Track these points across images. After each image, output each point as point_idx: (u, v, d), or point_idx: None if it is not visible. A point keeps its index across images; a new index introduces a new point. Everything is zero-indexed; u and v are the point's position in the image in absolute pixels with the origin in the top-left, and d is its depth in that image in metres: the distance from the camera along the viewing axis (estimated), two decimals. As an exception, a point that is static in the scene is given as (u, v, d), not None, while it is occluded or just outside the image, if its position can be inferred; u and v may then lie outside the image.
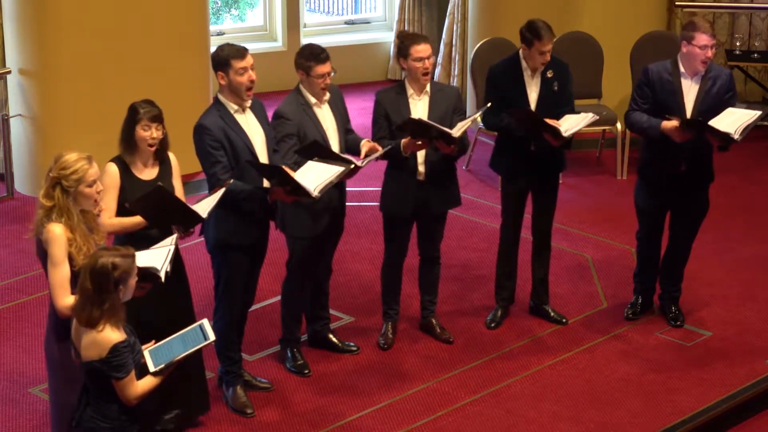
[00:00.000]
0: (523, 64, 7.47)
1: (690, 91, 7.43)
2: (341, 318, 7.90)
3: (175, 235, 6.00)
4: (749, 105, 11.60)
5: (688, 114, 7.36)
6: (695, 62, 7.35)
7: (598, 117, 7.43)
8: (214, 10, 12.58)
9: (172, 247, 5.82)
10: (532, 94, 7.48)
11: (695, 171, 7.54)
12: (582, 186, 10.15)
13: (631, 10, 10.93)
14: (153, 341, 5.46)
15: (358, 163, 6.79)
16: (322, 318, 7.53)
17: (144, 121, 6.24)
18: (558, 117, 7.37)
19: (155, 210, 6.13)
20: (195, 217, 6.15)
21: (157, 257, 5.74)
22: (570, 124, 7.32)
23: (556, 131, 7.25)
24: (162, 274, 5.65)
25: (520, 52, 7.49)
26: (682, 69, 7.42)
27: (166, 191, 6.14)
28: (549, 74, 7.46)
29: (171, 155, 6.44)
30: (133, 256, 5.24)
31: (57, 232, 5.54)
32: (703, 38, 7.30)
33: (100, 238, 5.74)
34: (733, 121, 7.25)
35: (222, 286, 6.82)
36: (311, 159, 6.71)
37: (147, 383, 5.27)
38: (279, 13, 12.25)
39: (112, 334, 5.14)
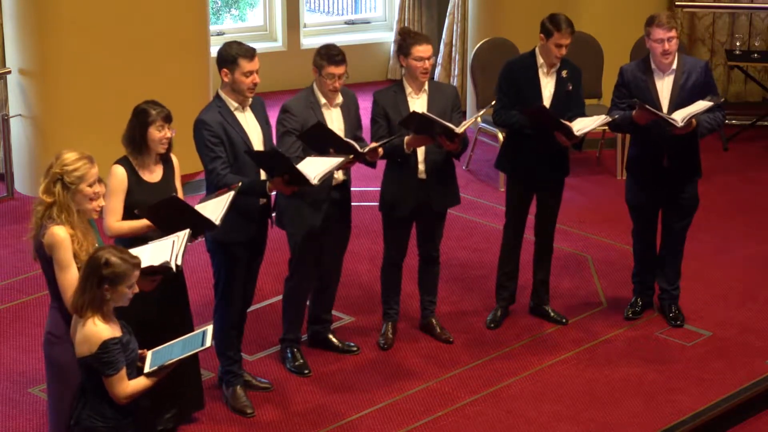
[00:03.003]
0: (539, 60, 7.47)
1: (664, 87, 7.45)
2: (341, 318, 7.90)
3: (186, 231, 5.98)
4: (748, 105, 11.67)
5: (665, 110, 7.37)
6: (656, 56, 7.37)
7: (610, 119, 7.43)
8: (214, 10, 12.58)
9: (183, 237, 5.80)
10: (546, 91, 7.48)
11: (680, 166, 7.55)
12: (582, 186, 10.15)
13: (631, 10, 10.92)
14: (144, 350, 5.46)
15: (358, 149, 6.76)
16: (324, 320, 7.53)
17: (158, 122, 6.22)
18: (570, 119, 7.37)
19: (166, 217, 6.10)
20: (207, 224, 6.11)
21: (164, 248, 5.73)
22: (582, 125, 7.33)
23: (568, 131, 7.26)
24: (173, 265, 5.64)
25: (537, 48, 7.49)
26: (653, 66, 7.44)
27: (181, 201, 6.10)
28: (564, 74, 7.47)
29: (173, 156, 6.44)
30: (136, 265, 5.23)
31: (61, 235, 5.52)
32: (657, 32, 7.32)
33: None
34: (686, 110, 7.25)
35: (221, 283, 6.83)
36: (313, 144, 6.69)
37: (138, 384, 5.27)
38: (279, 13, 12.25)
39: (102, 330, 5.16)
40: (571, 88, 7.50)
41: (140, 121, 6.23)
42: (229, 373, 6.95)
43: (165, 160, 6.38)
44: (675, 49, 7.37)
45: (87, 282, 5.16)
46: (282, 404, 7.01)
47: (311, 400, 7.06)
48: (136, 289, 5.28)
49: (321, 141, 6.75)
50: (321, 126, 6.77)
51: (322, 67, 6.88)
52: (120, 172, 6.25)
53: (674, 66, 7.44)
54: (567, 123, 7.28)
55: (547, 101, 7.48)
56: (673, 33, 7.31)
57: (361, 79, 12.34)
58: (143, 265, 5.57)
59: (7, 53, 9.60)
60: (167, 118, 6.26)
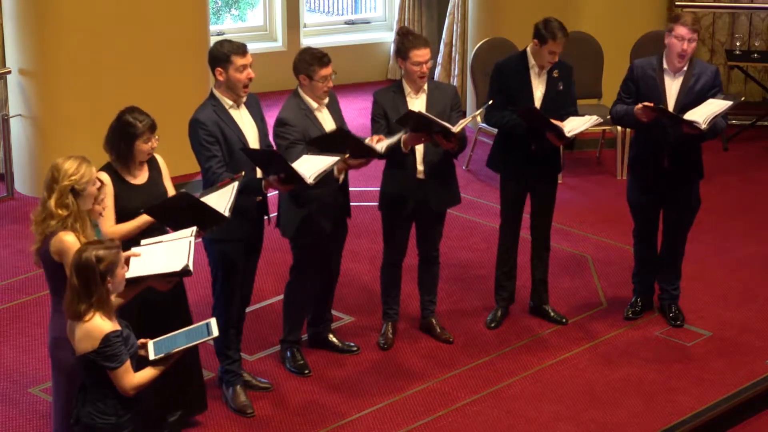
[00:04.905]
0: (531, 61, 7.47)
1: (672, 87, 7.45)
2: (341, 318, 7.90)
3: (193, 228, 5.96)
4: (748, 105, 11.67)
5: (670, 110, 7.38)
6: (672, 54, 7.36)
7: (602, 120, 7.44)
8: (214, 10, 12.58)
9: (192, 239, 5.80)
10: (537, 92, 7.49)
11: (681, 166, 7.55)
12: (582, 186, 10.15)
13: (631, 10, 10.93)
14: (147, 339, 5.46)
15: (378, 148, 6.78)
16: (324, 320, 7.53)
17: (146, 135, 6.17)
18: (561, 118, 7.38)
19: (174, 214, 6.08)
20: (218, 217, 6.08)
21: (179, 249, 5.72)
22: (574, 126, 7.34)
23: (559, 131, 7.26)
24: (191, 267, 5.64)
25: (529, 48, 7.49)
26: (665, 65, 7.45)
27: (191, 196, 6.05)
28: (555, 73, 7.48)
29: (157, 156, 6.39)
30: (118, 248, 5.26)
31: (71, 240, 5.53)
32: (681, 30, 7.31)
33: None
34: (706, 111, 7.26)
35: (219, 281, 6.82)
36: (326, 148, 6.68)
37: (145, 374, 5.29)
38: (279, 13, 12.25)
39: (103, 325, 5.16)
40: (561, 87, 7.51)
41: (126, 134, 6.16)
42: (229, 373, 6.95)
43: (149, 161, 6.34)
44: (691, 52, 7.38)
45: (90, 287, 5.14)
46: (282, 404, 7.01)
47: (311, 400, 7.06)
48: (127, 269, 5.32)
49: (334, 145, 6.73)
50: (344, 132, 6.76)
51: (313, 72, 6.85)
52: (105, 179, 6.19)
53: (685, 68, 7.44)
54: (558, 123, 7.29)
55: (538, 102, 7.48)
56: (695, 36, 7.32)
57: (361, 79, 12.36)
58: (159, 265, 5.58)
59: (7, 53, 9.60)
60: (152, 128, 6.20)
